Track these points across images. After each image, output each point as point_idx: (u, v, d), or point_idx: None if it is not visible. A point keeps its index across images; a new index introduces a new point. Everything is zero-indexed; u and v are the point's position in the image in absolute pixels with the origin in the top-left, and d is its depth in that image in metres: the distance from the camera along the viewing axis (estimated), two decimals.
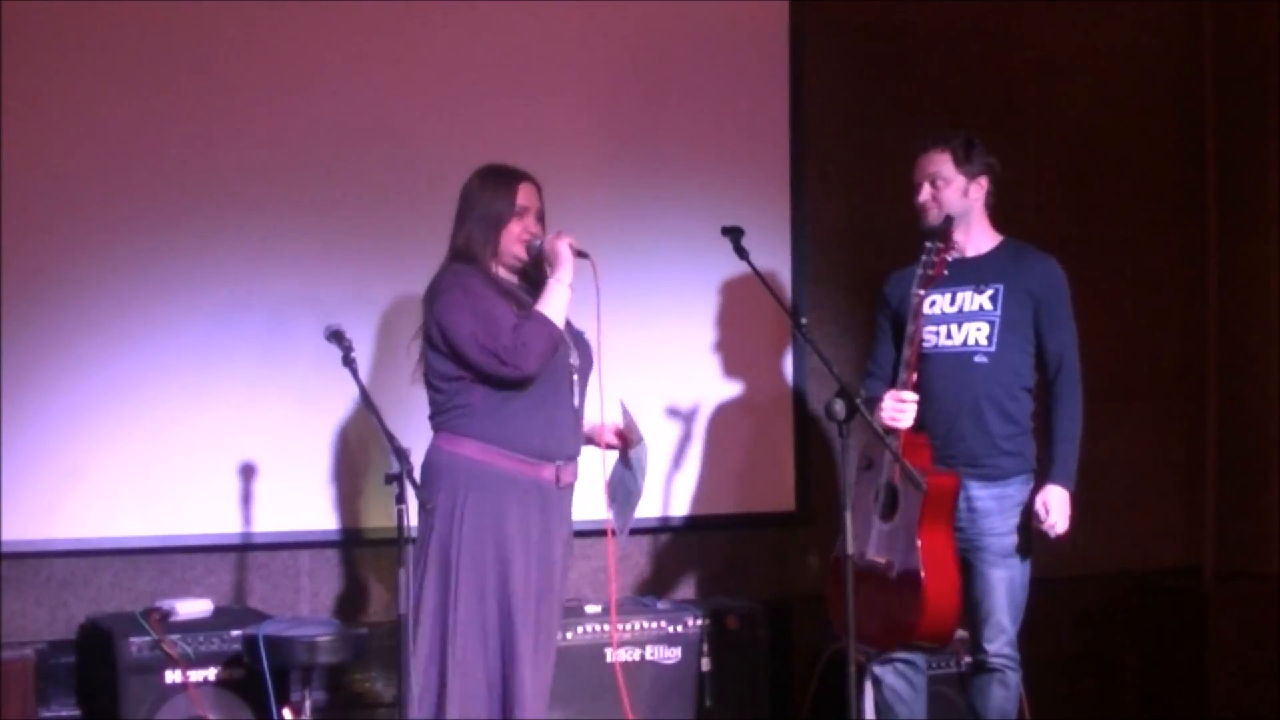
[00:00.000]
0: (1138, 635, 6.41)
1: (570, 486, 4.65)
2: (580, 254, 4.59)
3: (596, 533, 4.93)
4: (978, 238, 4.93)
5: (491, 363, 4.47)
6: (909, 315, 4.74)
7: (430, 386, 4.59)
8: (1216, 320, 6.43)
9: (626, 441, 4.76)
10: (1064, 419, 4.87)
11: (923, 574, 4.66)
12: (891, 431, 4.68)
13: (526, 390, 4.52)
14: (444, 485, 4.49)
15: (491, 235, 4.58)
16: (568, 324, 4.61)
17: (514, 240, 4.60)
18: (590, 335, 4.66)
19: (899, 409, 4.70)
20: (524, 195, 4.62)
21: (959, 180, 4.89)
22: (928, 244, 4.74)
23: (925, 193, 4.90)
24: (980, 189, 4.92)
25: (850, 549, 4.37)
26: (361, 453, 5.43)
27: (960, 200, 4.89)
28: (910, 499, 4.71)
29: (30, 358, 5.11)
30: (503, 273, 4.63)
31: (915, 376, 4.73)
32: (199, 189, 5.28)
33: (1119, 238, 6.44)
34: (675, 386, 5.72)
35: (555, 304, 4.53)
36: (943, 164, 4.89)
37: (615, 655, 5.19)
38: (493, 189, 4.61)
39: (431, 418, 4.60)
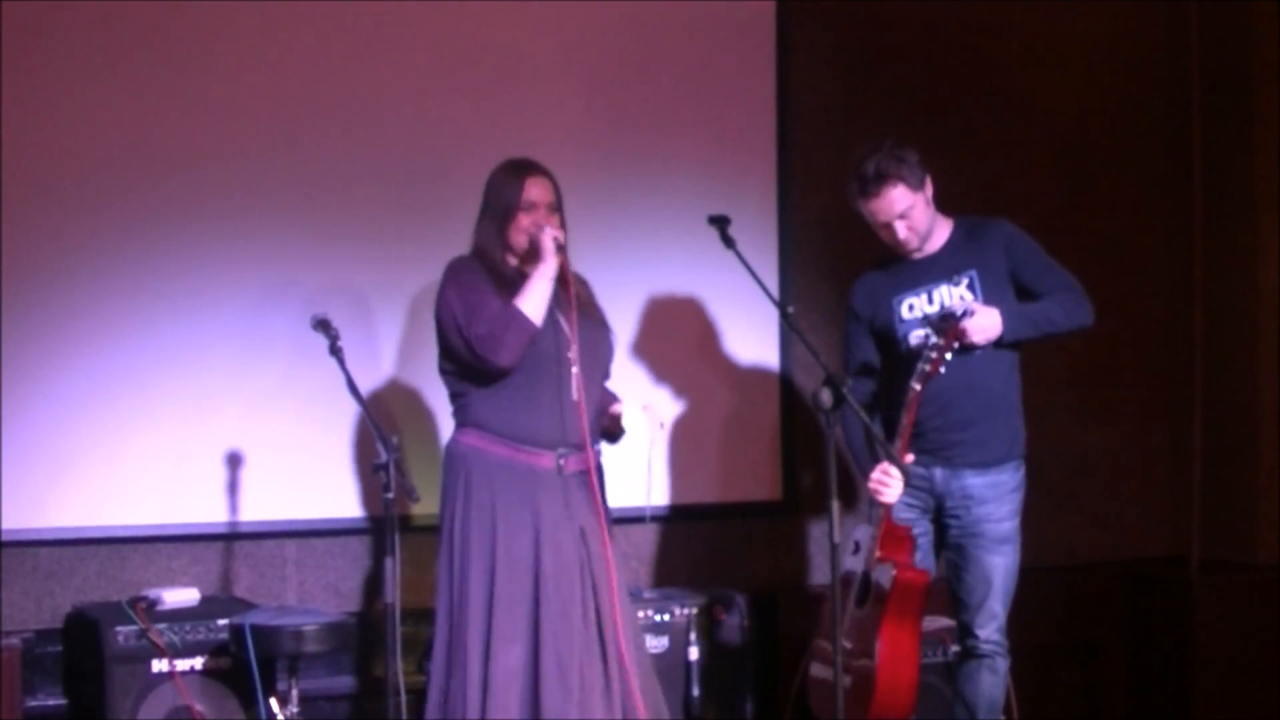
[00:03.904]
0: (1123, 624, 6.41)
1: (581, 474, 4.62)
2: (561, 247, 4.58)
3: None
4: (936, 233, 4.90)
5: (465, 352, 4.53)
6: (887, 328, 4.76)
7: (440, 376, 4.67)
8: (1202, 309, 6.43)
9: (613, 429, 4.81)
10: (1051, 300, 4.82)
11: (877, 669, 4.61)
12: (877, 505, 4.67)
13: (511, 380, 4.54)
14: (451, 475, 4.58)
15: (499, 228, 4.61)
16: (595, 314, 4.71)
17: (520, 233, 4.62)
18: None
19: (884, 483, 4.67)
20: (533, 188, 4.62)
21: (920, 200, 4.82)
22: (931, 340, 4.63)
23: (902, 230, 4.82)
24: (931, 189, 4.87)
25: (838, 537, 4.37)
26: (348, 442, 5.42)
27: (929, 214, 4.86)
28: (881, 591, 4.66)
29: (19, 349, 5.10)
30: (516, 264, 4.65)
31: (911, 458, 4.66)
32: (184, 185, 5.27)
33: (1104, 227, 6.44)
34: (661, 376, 5.72)
35: (532, 297, 4.53)
36: (902, 198, 4.78)
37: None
38: (503, 182, 4.64)
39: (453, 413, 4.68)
